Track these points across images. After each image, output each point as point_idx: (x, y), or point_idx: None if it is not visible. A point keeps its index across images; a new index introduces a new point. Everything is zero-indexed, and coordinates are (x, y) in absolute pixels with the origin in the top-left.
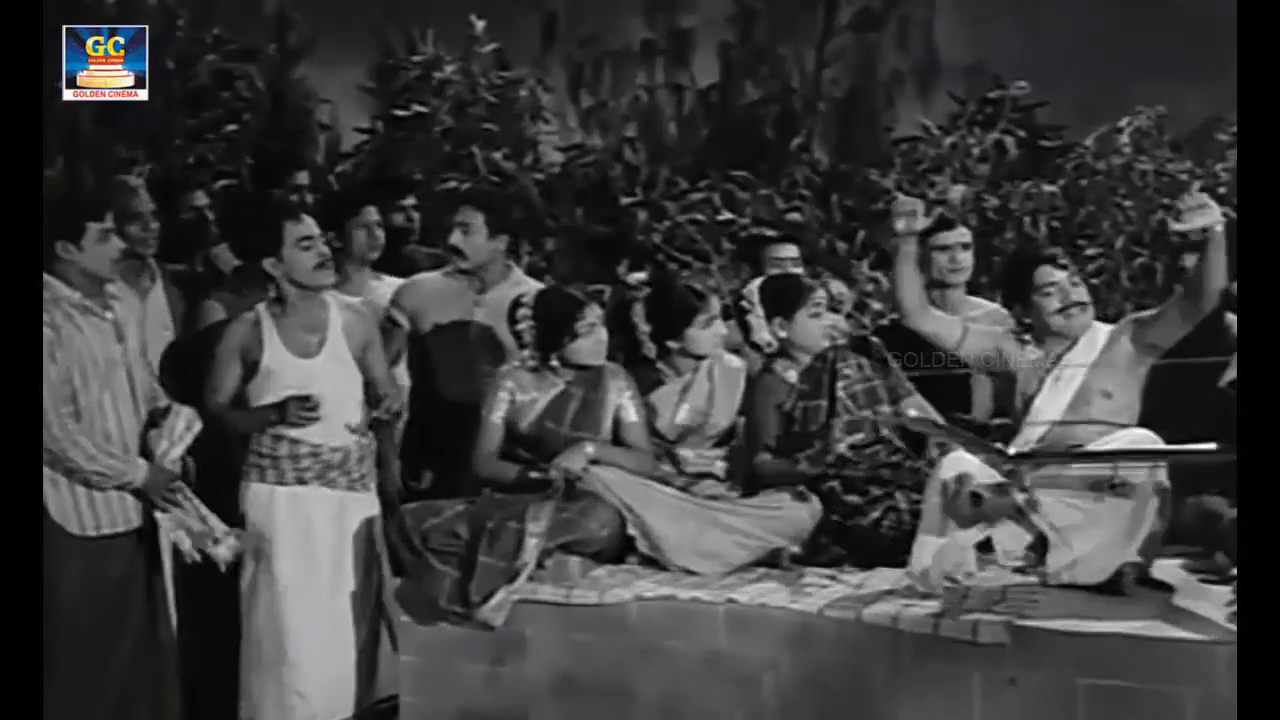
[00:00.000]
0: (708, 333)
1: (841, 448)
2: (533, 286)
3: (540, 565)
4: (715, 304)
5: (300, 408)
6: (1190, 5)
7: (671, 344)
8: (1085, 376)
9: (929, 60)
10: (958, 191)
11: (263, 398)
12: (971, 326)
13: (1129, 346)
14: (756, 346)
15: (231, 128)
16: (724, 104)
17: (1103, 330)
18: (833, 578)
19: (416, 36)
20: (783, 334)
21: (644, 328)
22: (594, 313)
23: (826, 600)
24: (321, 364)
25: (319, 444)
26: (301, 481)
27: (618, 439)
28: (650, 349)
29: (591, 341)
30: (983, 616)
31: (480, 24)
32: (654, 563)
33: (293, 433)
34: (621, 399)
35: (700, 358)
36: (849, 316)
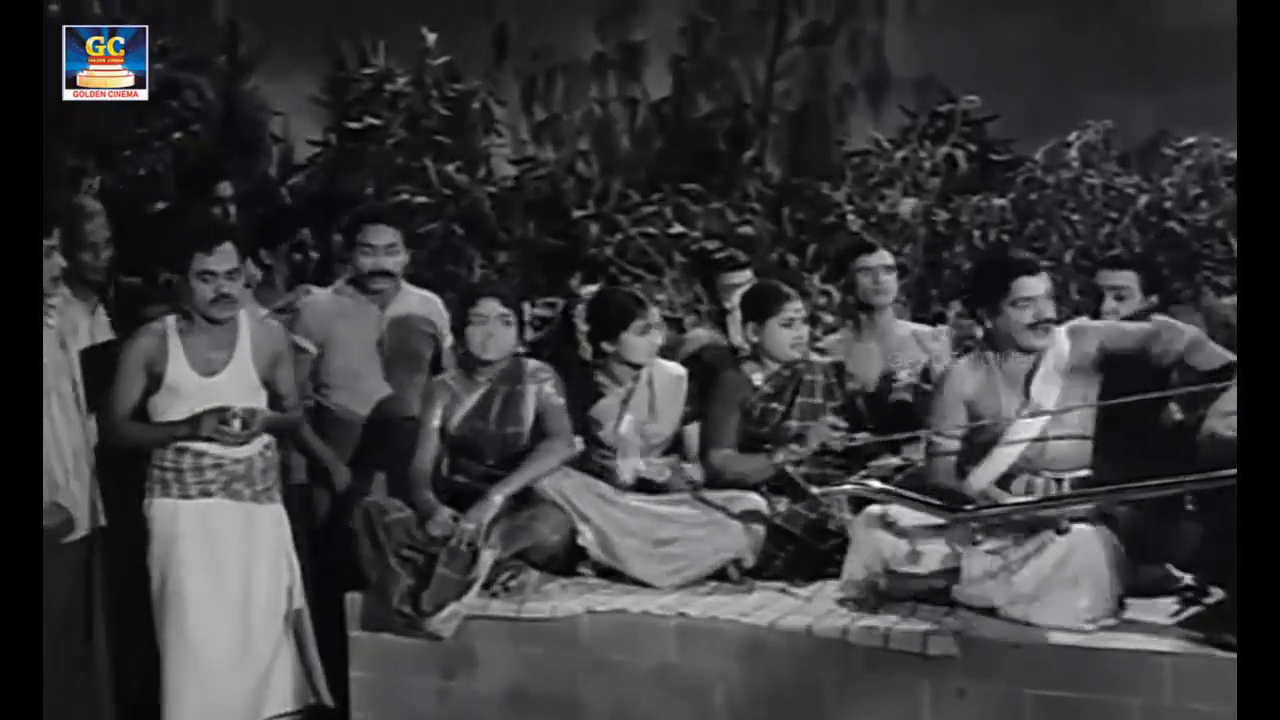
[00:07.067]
0: (643, 340)
1: (784, 455)
2: (425, 295)
3: (505, 587)
4: (654, 314)
5: (217, 419)
6: (1139, 19)
7: (607, 346)
8: (1064, 383)
9: (880, 74)
10: (909, 205)
11: (165, 413)
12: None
13: (1094, 354)
14: (735, 350)
15: (177, 136)
16: (676, 117)
17: (1061, 335)
18: (783, 591)
19: (368, 49)
20: (755, 339)
21: (582, 329)
22: (489, 306)
23: (777, 614)
24: (224, 381)
25: (221, 455)
26: (206, 494)
27: (540, 428)
28: (587, 350)
29: (480, 334)
30: (932, 628)
31: (432, 37)
32: (606, 572)
33: (196, 445)
34: (542, 388)
35: (636, 366)
36: None
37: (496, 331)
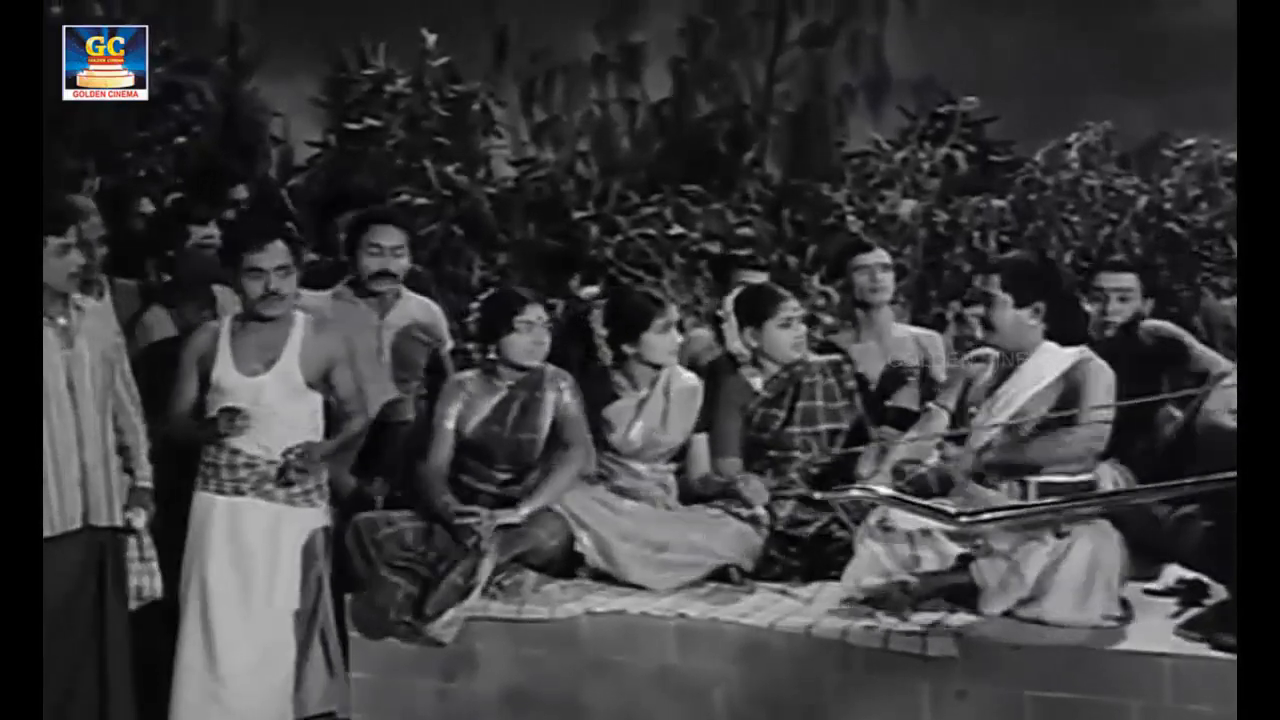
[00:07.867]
0: (664, 338)
1: (793, 470)
2: (424, 301)
3: (500, 586)
4: (673, 311)
5: (229, 419)
6: (1139, 20)
7: (627, 349)
8: (1025, 402)
9: (879, 75)
10: (908, 206)
11: (214, 411)
12: None
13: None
14: (732, 357)
15: (180, 140)
16: (676, 119)
17: (1055, 354)
18: (783, 592)
19: (368, 50)
20: (754, 344)
21: (601, 332)
22: (535, 312)
23: (777, 615)
24: (268, 382)
25: (255, 455)
26: (239, 492)
27: (556, 435)
28: (606, 354)
29: (528, 340)
30: (931, 630)
31: (431, 38)
32: (603, 577)
33: (234, 442)
34: (562, 396)
35: (656, 366)
36: None
37: (542, 338)
